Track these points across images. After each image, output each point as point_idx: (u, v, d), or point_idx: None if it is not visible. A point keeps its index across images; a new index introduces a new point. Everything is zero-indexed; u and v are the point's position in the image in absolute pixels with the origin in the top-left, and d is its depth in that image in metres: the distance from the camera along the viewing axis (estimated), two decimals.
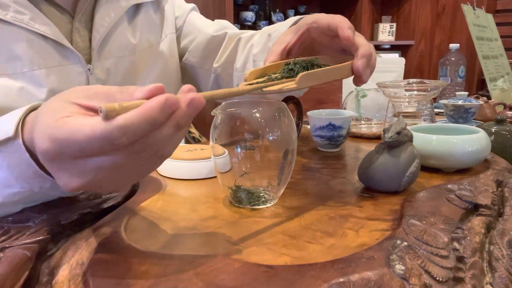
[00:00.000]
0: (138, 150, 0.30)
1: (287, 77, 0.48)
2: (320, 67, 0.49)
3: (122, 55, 0.72)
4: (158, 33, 0.81)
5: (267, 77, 0.50)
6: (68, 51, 0.65)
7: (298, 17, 0.70)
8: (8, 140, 0.36)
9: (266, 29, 0.79)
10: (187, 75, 0.90)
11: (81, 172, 0.31)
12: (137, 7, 0.76)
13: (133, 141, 0.29)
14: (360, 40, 0.50)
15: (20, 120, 0.37)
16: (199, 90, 0.93)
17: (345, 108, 0.89)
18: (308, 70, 0.48)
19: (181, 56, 0.88)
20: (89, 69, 0.68)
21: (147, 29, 0.78)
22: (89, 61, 0.68)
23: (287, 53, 0.56)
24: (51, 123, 0.30)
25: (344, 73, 0.49)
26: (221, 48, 0.85)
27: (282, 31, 0.70)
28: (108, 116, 0.28)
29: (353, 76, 0.50)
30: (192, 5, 0.91)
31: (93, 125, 0.28)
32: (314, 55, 0.56)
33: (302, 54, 0.57)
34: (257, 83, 0.48)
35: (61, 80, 0.64)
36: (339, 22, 0.51)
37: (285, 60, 0.53)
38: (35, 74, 0.62)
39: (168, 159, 0.57)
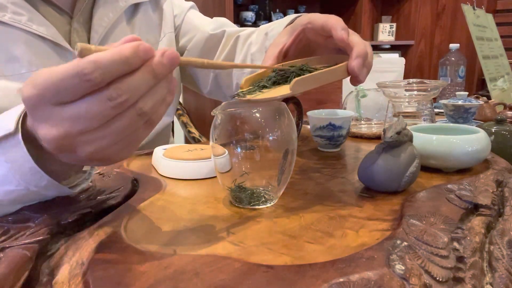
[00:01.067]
0: (113, 95, 0.30)
1: (273, 84, 0.48)
2: (311, 71, 0.48)
3: None
4: (157, 32, 0.81)
5: (262, 83, 0.49)
6: (67, 51, 0.65)
7: (293, 15, 0.70)
8: (8, 136, 0.36)
9: (263, 28, 0.79)
10: (186, 74, 0.90)
11: (59, 120, 0.31)
12: (135, 6, 0.76)
13: (107, 81, 0.30)
14: (355, 39, 0.49)
15: (20, 116, 0.37)
16: (198, 89, 0.93)
17: (345, 108, 0.89)
18: (297, 76, 0.47)
19: (180, 55, 0.88)
20: None
21: (145, 29, 0.78)
22: None
23: (284, 54, 0.55)
24: (35, 73, 0.31)
25: (340, 74, 0.47)
26: (219, 47, 0.84)
27: (279, 31, 0.70)
28: (83, 54, 0.29)
29: (349, 76, 0.49)
30: (190, 3, 0.90)
31: (68, 64, 0.29)
32: (310, 55, 0.56)
33: (298, 55, 0.56)
34: (249, 90, 0.48)
35: None
36: (333, 23, 0.50)
37: (282, 63, 0.53)
38: None
39: (168, 159, 0.58)
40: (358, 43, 0.48)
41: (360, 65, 0.47)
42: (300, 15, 0.60)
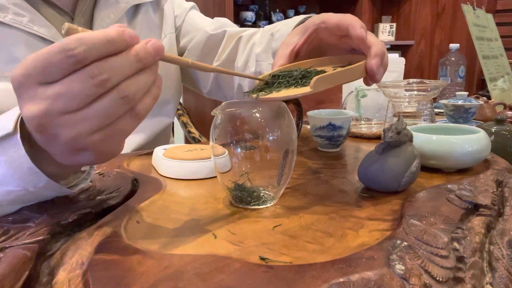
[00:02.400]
0: (95, 72, 0.31)
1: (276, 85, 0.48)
2: (318, 72, 0.48)
3: None
4: (158, 33, 0.81)
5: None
6: None
7: (302, 17, 0.70)
8: (7, 136, 0.36)
9: (268, 28, 0.79)
10: (187, 74, 0.90)
11: (42, 99, 0.32)
12: (136, 7, 0.76)
13: (90, 59, 0.30)
14: (372, 39, 0.49)
15: (19, 117, 0.37)
16: (198, 89, 0.93)
17: (345, 108, 0.89)
18: (299, 81, 0.47)
19: (180, 55, 0.88)
20: None
21: (146, 30, 0.78)
22: None
23: (295, 54, 0.55)
24: (27, 56, 0.32)
25: (358, 73, 0.48)
26: (220, 47, 0.84)
27: (286, 31, 0.70)
28: (69, 33, 0.31)
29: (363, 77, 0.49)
30: (191, 3, 0.91)
31: (55, 43, 0.31)
32: (322, 56, 0.56)
33: (310, 55, 0.56)
34: (267, 87, 0.48)
35: None
36: (351, 21, 0.50)
37: (293, 63, 0.53)
38: None
39: (168, 159, 0.58)
40: (375, 42, 0.48)
41: (378, 64, 0.47)
42: (310, 16, 0.60)
